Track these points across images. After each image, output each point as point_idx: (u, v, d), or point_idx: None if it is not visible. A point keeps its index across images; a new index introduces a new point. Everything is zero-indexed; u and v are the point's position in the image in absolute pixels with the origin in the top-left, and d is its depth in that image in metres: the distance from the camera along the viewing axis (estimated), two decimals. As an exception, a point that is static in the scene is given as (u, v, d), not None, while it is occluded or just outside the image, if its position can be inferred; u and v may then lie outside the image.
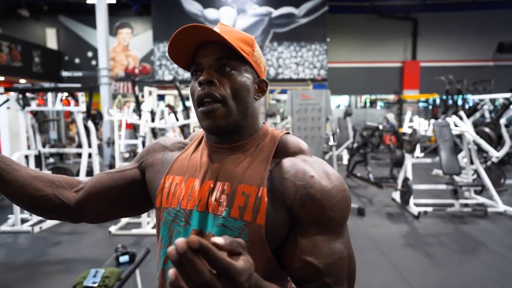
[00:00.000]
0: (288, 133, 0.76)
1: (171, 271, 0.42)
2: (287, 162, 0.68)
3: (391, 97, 13.59)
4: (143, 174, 0.82)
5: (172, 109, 5.20)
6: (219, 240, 0.43)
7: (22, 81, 11.19)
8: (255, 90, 0.72)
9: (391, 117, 11.66)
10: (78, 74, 12.68)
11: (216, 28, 0.69)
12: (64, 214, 0.82)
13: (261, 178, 0.67)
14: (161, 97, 9.76)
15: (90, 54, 12.66)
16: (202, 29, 0.64)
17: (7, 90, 4.44)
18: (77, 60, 12.78)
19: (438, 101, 10.74)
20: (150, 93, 6.93)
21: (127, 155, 6.52)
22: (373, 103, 14.69)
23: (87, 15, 11.99)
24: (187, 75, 10.67)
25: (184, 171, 0.74)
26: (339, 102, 15.37)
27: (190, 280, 0.41)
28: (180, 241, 0.40)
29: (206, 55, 0.68)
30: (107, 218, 0.85)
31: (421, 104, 12.59)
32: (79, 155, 6.09)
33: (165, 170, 0.77)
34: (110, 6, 8.47)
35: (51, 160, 7.17)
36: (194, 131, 6.62)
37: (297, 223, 0.66)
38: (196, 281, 0.41)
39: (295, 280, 0.67)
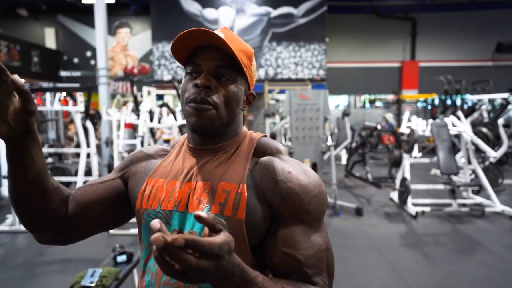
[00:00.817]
0: (266, 135, 0.81)
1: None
2: (266, 160, 0.73)
3: (390, 97, 13.61)
4: (125, 184, 0.82)
5: (170, 109, 5.20)
6: (202, 214, 0.46)
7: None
8: (243, 102, 0.76)
9: (390, 117, 11.68)
10: (77, 74, 12.67)
11: (221, 33, 0.70)
12: (55, 224, 0.76)
13: (241, 176, 0.70)
14: (160, 97, 9.77)
15: (89, 53, 12.65)
16: (212, 35, 0.67)
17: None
18: (75, 60, 12.77)
19: (437, 101, 10.76)
20: (149, 93, 6.93)
21: (125, 154, 6.52)
22: (372, 102, 14.71)
23: (86, 15, 11.99)
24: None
25: (166, 175, 0.76)
26: (338, 102, 15.38)
27: (173, 270, 0.44)
28: (156, 237, 0.41)
29: (207, 59, 0.70)
30: (90, 234, 0.81)
31: (420, 104, 12.61)
32: (77, 155, 6.09)
33: (146, 177, 0.79)
34: (109, 5, 8.46)
35: (49, 160, 7.17)
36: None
37: (277, 217, 0.68)
38: (184, 269, 0.44)
39: (276, 275, 0.68)
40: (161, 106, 5.39)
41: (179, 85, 6.34)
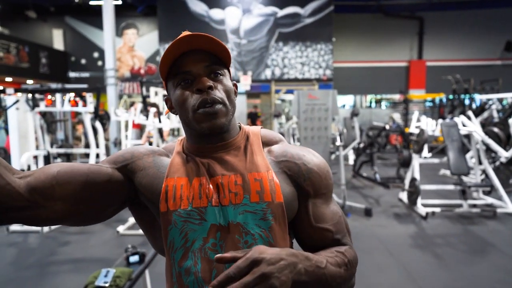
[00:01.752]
0: (262, 127, 0.88)
1: None
2: (278, 148, 0.80)
3: (397, 97, 13.52)
4: (126, 177, 0.76)
5: (158, 108, 5.06)
6: (222, 255, 0.59)
7: (30, 82, 11.29)
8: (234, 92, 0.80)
9: (397, 117, 11.60)
10: (85, 75, 12.77)
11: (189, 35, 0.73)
12: (7, 201, 0.63)
13: (266, 164, 0.76)
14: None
15: (96, 55, 12.75)
16: (199, 37, 0.70)
17: (16, 91, 4.48)
18: (83, 61, 12.87)
19: (445, 101, 10.66)
20: (156, 93, 6.96)
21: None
22: (378, 102, 14.62)
23: (93, 16, 12.07)
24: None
25: (185, 173, 0.75)
26: (344, 102, 15.32)
27: None
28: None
29: (194, 63, 0.72)
30: (63, 217, 0.70)
31: (427, 104, 12.51)
32: (86, 155, 6.13)
33: (162, 174, 0.76)
34: (116, 7, 8.52)
35: (58, 160, 7.23)
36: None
37: (304, 196, 0.77)
38: None
39: (311, 246, 0.77)
40: (150, 105, 5.22)
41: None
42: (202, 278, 0.69)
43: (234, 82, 0.82)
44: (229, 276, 0.56)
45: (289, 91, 10.92)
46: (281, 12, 10.72)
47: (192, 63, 0.72)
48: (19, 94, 4.51)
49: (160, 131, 4.87)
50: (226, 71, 0.77)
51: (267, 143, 0.82)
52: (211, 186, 0.73)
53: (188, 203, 0.72)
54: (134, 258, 2.34)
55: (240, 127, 0.83)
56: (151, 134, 5.59)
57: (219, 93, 0.73)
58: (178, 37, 0.70)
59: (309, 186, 0.76)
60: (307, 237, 0.77)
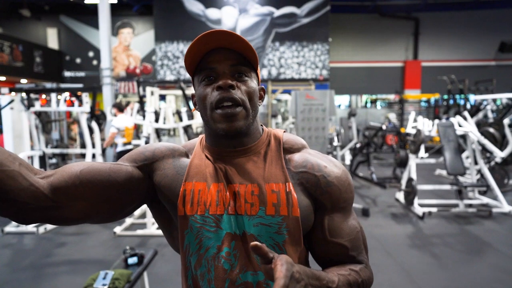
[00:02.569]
0: (285, 131, 0.84)
1: None
2: (299, 157, 0.77)
3: (392, 97, 13.59)
4: (146, 175, 0.76)
5: (120, 108, 4.98)
6: (259, 244, 0.57)
7: (24, 81, 11.18)
8: (259, 96, 0.78)
9: (393, 117, 11.66)
10: (81, 74, 12.67)
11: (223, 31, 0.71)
12: (31, 202, 0.63)
13: (284, 175, 0.73)
14: (162, 97, 9.75)
15: (91, 54, 12.65)
16: (225, 35, 0.68)
17: (11, 90, 4.43)
18: (78, 60, 12.77)
19: (441, 101, 10.73)
20: (152, 93, 6.92)
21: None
22: (373, 102, 14.68)
23: (88, 15, 11.98)
24: (188, 75, 10.67)
25: (204, 177, 0.74)
26: (340, 102, 15.36)
27: None
28: None
29: (220, 61, 0.71)
30: (85, 217, 0.70)
31: (422, 104, 12.59)
32: (82, 155, 6.08)
33: (180, 177, 0.75)
34: (111, 6, 8.46)
35: (53, 160, 7.16)
36: (197, 131, 6.64)
37: (321, 209, 0.75)
38: None
39: (325, 260, 0.76)
40: (113, 106, 5.10)
41: (185, 86, 6.32)
42: (215, 285, 0.69)
43: (262, 87, 0.80)
44: (286, 286, 0.55)
45: (286, 91, 10.92)
46: (277, 12, 10.71)
47: (218, 60, 0.71)
48: (13, 93, 4.46)
49: (157, 131, 4.84)
50: (253, 73, 0.75)
51: (288, 149, 0.78)
52: (228, 193, 0.72)
53: (205, 209, 0.71)
54: (132, 260, 2.32)
55: (263, 130, 0.80)
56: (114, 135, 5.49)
57: (240, 94, 0.71)
58: (207, 32, 0.68)
59: (326, 199, 0.74)
60: (321, 251, 0.75)
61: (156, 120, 4.88)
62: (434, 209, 4.62)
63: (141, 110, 4.97)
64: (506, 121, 5.52)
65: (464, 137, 5.58)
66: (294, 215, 0.70)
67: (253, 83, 0.74)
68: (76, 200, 0.68)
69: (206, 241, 0.70)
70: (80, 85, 10.10)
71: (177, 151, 0.79)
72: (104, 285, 1.95)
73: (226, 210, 0.71)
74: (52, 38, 12.62)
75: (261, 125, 0.81)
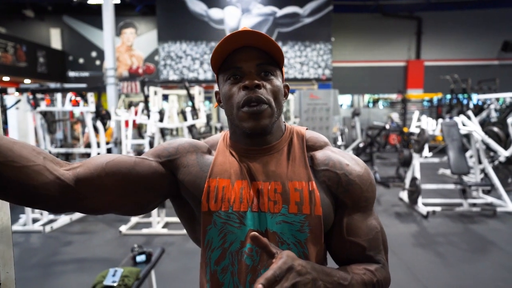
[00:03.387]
0: (307, 128, 0.85)
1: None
2: (321, 155, 0.77)
3: (394, 96, 13.58)
4: (169, 171, 0.77)
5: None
6: (259, 236, 0.59)
7: (27, 81, 11.23)
8: (284, 94, 0.78)
9: (396, 116, 11.65)
10: (85, 74, 12.71)
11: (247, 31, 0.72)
12: (58, 194, 0.64)
13: (307, 173, 0.74)
14: (165, 97, 9.79)
15: (94, 54, 12.69)
16: (251, 35, 0.69)
17: (18, 90, 4.47)
18: (81, 60, 12.81)
19: (444, 101, 10.72)
20: (155, 93, 6.95)
21: (132, 155, 6.53)
22: (375, 102, 14.67)
23: (91, 15, 12.02)
24: (192, 74, 10.69)
25: (228, 174, 0.75)
26: (342, 101, 15.36)
27: None
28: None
29: (246, 60, 0.71)
30: (109, 208, 0.71)
31: (425, 104, 12.58)
32: (88, 155, 6.11)
33: (204, 173, 0.76)
34: (114, 6, 8.49)
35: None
36: (201, 131, 6.66)
37: (341, 208, 0.75)
38: None
39: (341, 259, 0.76)
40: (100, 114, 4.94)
41: (190, 85, 6.34)
42: (238, 279, 0.71)
43: (287, 84, 0.81)
44: (276, 276, 0.56)
45: (289, 91, 10.92)
46: (280, 12, 10.73)
47: (244, 59, 0.71)
48: (16, 93, 4.49)
49: (162, 130, 4.86)
50: (278, 71, 0.76)
51: (311, 147, 0.79)
52: (252, 191, 0.73)
53: (229, 206, 0.72)
54: (140, 258, 2.34)
55: (285, 127, 0.81)
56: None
57: (266, 93, 0.71)
58: (234, 32, 0.69)
59: (347, 198, 0.74)
60: (339, 249, 0.76)
61: (161, 120, 4.91)
62: (438, 208, 4.62)
63: (146, 110, 4.99)
64: (509, 120, 5.52)
65: (468, 136, 5.58)
66: (316, 214, 0.71)
67: (278, 82, 0.74)
68: (101, 191, 0.69)
69: (230, 236, 0.72)
70: (84, 85, 10.15)
71: (200, 147, 0.80)
72: (114, 282, 1.98)
73: (250, 207, 0.72)
74: (55, 39, 12.67)
75: (284, 122, 0.82)
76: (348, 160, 0.77)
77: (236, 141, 0.78)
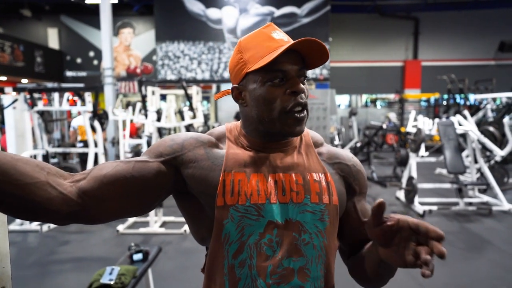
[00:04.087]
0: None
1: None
2: (327, 150, 0.85)
3: (392, 96, 13.62)
4: (173, 168, 0.75)
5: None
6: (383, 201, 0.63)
7: (24, 81, 11.20)
8: None
9: (393, 116, 11.69)
10: (82, 74, 12.69)
11: (277, 31, 0.77)
12: (62, 209, 0.66)
13: (321, 166, 0.80)
14: (163, 97, 9.79)
15: (91, 54, 12.67)
16: (314, 43, 0.73)
17: (15, 90, 4.46)
18: (78, 60, 12.79)
19: (441, 101, 10.76)
20: (153, 92, 6.95)
21: (129, 155, 6.53)
22: (373, 102, 14.72)
23: (89, 15, 12.00)
24: (189, 74, 10.69)
25: (243, 168, 0.75)
26: (340, 101, 15.40)
27: None
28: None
29: (290, 64, 0.73)
30: (113, 216, 0.73)
31: (422, 103, 12.63)
32: (85, 154, 6.10)
33: (217, 167, 0.75)
34: (112, 6, 8.48)
35: (55, 160, 7.19)
36: (199, 131, 6.67)
37: (351, 195, 0.83)
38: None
39: (355, 244, 0.83)
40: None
41: (187, 85, 6.35)
42: (257, 271, 0.70)
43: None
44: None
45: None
46: (278, 12, 10.74)
47: (289, 63, 0.72)
48: (13, 93, 4.49)
49: (159, 130, 4.86)
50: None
51: (315, 144, 0.85)
52: (269, 183, 0.74)
53: (246, 199, 0.72)
54: (137, 256, 2.35)
55: None
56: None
57: (305, 99, 0.75)
58: (303, 39, 0.71)
59: (357, 185, 0.83)
60: (356, 233, 0.82)
61: (158, 120, 4.91)
62: (434, 207, 4.65)
63: (144, 110, 4.99)
64: (506, 120, 5.56)
65: (464, 136, 5.61)
66: (334, 203, 0.77)
67: (307, 85, 0.79)
68: (104, 202, 0.70)
69: (248, 229, 0.72)
70: (81, 85, 10.13)
71: (208, 141, 0.79)
72: (110, 280, 1.98)
73: (268, 199, 0.73)
74: (52, 38, 12.64)
75: None
76: (349, 154, 0.87)
77: (253, 135, 0.79)
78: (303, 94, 0.74)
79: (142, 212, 0.77)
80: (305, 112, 0.75)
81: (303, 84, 0.75)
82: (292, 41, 0.73)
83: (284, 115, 0.72)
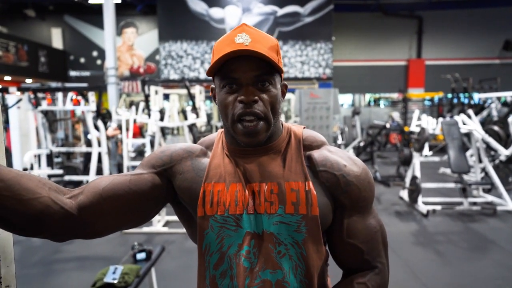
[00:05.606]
0: (305, 127, 0.83)
1: None
2: (318, 155, 0.76)
3: (395, 96, 13.57)
4: (166, 179, 0.77)
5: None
6: None
7: (29, 80, 11.26)
8: (282, 93, 0.77)
9: (396, 115, 11.64)
10: (86, 73, 12.75)
11: (246, 36, 0.69)
12: (62, 224, 0.67)
13: (304, 173, 0.74)
14: (166, 96, 9.81)
15: (95, 53, 12.72)
16: (246, 52, 0.67)
17: (18, 89, 4.49)
18: (82, 60, 12.85)
19: (445, 100, 10.70)
20: (156, 92, 6.96)
21: (133, 154, 6.55)
22: (376, 101, 14.66)
23: (92, 15, 12.05)
24: (192, 74, 10.71)
25: (223, 178, 0.74)
26: (343, 101, 15.35)
27: None
28: None
29: (244, 71, 0.69)
30: (113, 229, 0.75)
31: (426, 103, 12.57)
32: (86, 154, 6.13)
33: (200, 178, 0.76)
34: (115, 5, 8.51)
35: (59, 159, 7.22)
36: (202, 130, 6.68)
37: (340, 208, 0.75)
38: None
39: (342, 263, 0.78)
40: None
41: (190, 85, 6.36)
42: (237, 282, 0.70)
43: (285, 83, 0.78)
44: None
45: (289, 90, 10.94)
46: (281, 11, 10.73)
47: (242, 70, 0.69)
48: (18, 93, 4.52)
49: (162, 130, 4.87)
50: (277, 76, 0.73)
51: (308, 146, 0.78)
52: (247, 193, 0.72)
53: (224, 209, 0.72)
54: (141, 255, 2.36)
55: (283, 126, 0.80)
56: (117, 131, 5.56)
57: (262, 107, 0.70)
58: (233, 49, 0.67)
59: (346, 199, 0.74)
60: (338, 251, 0.77)
61: (161, 119, 4.92)
62: (438, 207, 4.63)
63: (147, 109, 5.00)
64: (510, 119, 5.51)
65: (468, 135, 5.57)
66: (313, 214, 0.71)
67: (275, 89, 0.72)
68: (102, 216, 0.72)
69: (227, 240, 0.72)
70: (85, 85, 10.17)
71: (195, 152, 0.80)
72: (114, 279, 1.99)
73: (246, 210, 0.72)
74: (56, 38, 12.70)
75: (281, 122, 0.81)
76: (346, 161, 0.76)
77: (231, 143, 0.77)
78: (260, 102, 0.69)
79: (139, 224, 0.78)
80: (259, 123, 0.70)
81: (264, 89, 0.70)
82: (249, 48, 0.67)
83: (234, 123, 0.71)
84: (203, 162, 0.78)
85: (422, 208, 4.59)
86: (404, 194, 5.29)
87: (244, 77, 0.69)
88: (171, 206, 0.84)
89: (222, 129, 0.82)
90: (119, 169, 6.07)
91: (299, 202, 0.71)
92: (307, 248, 0.71)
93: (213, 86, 0.78)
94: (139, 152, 7.12)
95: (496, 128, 5.68)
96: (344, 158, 0.77)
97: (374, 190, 0.78)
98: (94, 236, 0.73)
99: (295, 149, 0.77)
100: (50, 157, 4.65)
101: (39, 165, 4.70)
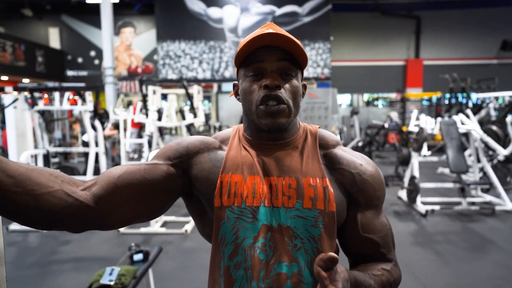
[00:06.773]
0: (319, 127, 0.86)
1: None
2: (335, 154, 0.79)
3: (393, 96, 13.59)
4: (181, 171, 0.77)
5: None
6: (334, 255, 0.64)
7: (26, 80, 11.21)
8: (302, 94, 0.80)
9: (395, 115, 11.66)
10: (83, 73, 12.70)
11: (270, 29, 0.73)
12: (79, 216, 0.66)
13: (321, 170, 0.76)
14: (164, 96, 9.78)
15: (93, 53, 12.67)
16: (277, 37, 0.70)
17: (15, 89, 4.46)
18: (79, 60, 12.80)
19: (443, 100, 10.72)
20: (154, 92, 6.93)
21: (131, 154, 6.50)
22: (373, 101, 14.68)
23: (90, 15, 12.01)
24: (190, 74, 10.68)
25: (240, 169, 0.76)
26: (341, 100, 15.36)
27: None
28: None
29: (270, 60, 0.73)
30: (128, 220, 0.73)
31: (424, 103, 12.59)
32: (85, 154, 6.10)
33: (217, 169, 0.77)
34: (113, 5, 8.48)
35: (56, 159, 7.19)
36: (200, 130, 6.65)
37: (355, 205, 0.78)
38: None
39: (356, 255, 0.80)
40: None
41: (188, 85, 6.33)
42: (251, 274, 0.70)
43: (304, 83, 0.82)
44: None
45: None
46: (279, 11, 10.71)
47: (268, 59, 0.73)
48: (14, 92, 4.49)
49: (160, 129, 4.85)
50: (299, 72, 0.77)
51: (323, 145, 0.80)
52: (265, 186, 0.73)
53: (241, 201, 0.73)
54: (138, 257, 2.33)
55: (299, 125, 0.82)
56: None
57: (285, 94, 0.73)
58: (260, 33, 0.70)
59: (361, 196, 0.77)
60: (354, 246, 0.79)
61: (159, 119, 4.90)
62: (437, 207, 4.62)
63: (144, 109, 4.98)
64: (508, 119, 5.52)
65: (466, 135, 5.58)
66: (330, 210, 0.73)
67: (297, 82, 0.76)
68: (118, 206, 0.71)
69: (242, 231, 0.72)
70: (82, 84, 10.14)
71: (211, 144, 0.81)
72: (110, 281, 1.97)
73: (263, 202, 0.72)
74: (53, 38, 12.65)
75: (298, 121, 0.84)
76: (361, 160, 0.79)
77: (251, 136, 0.79)
78: (282, 90, 0.72)
79: (152, 217, 0.78)
80: (282, 106, 0.72)
81: (287, 79, 0.74)
82: (278, 32, 0.71)
83: (257, 107, 0.73)
84: (220, 154, 0.80)
85: (421, 208, 4.59)
86: (403, 194, 5.28)
87: (270, 65, 0.73)
88: (179, 202, 0.84)
89: (238, 125, 0.85)
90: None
91: (316, 198, 0.73)
92: (322, 243, 0.72)
93: (236, 82, 0.82)
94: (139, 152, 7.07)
95: (494, 128, 5.69)
96: (358, 158, 0.80)
97: (385, 190, 0.81)
98: (110, 227, 0.73)
99: (312, 147, 0.79)
100: (47, 157, 4.61)
101: (36, 165, 4.67)
